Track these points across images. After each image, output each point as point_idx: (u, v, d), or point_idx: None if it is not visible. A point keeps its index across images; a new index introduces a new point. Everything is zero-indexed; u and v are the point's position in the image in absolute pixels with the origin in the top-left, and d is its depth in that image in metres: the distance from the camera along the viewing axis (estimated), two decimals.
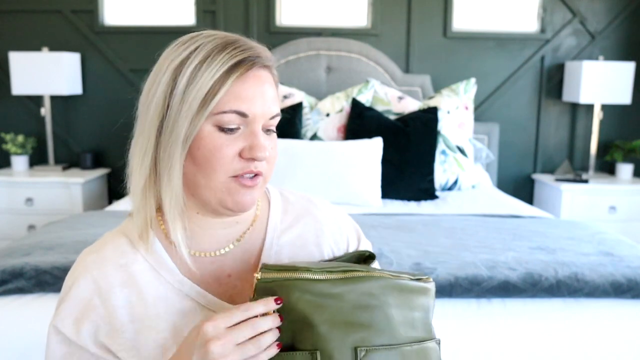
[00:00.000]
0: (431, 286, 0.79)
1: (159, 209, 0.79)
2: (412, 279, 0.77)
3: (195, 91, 0.71)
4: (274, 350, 0.67)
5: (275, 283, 0.69)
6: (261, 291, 0.70)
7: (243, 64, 0.72)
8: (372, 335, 0.69)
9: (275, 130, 0.78)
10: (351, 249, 0.90)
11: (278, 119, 0.77)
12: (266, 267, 0.71)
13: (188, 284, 0.78)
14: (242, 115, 0.72)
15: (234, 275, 0.81)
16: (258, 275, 0.70)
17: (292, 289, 0.68)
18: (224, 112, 0.72)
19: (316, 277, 0.70)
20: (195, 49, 0.73)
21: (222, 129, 0.72)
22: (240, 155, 0.73)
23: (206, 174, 0.73)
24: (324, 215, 0.89)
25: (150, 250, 0.78)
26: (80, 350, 0.75)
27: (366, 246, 0.93)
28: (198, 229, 0.80)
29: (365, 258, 0.86)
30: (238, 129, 0.73)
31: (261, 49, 0.76)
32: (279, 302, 0.67)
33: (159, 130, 0.73)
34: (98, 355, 0.75)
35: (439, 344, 0.77)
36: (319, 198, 0.94)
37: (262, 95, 0.74)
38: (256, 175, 0.75)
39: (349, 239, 0.90)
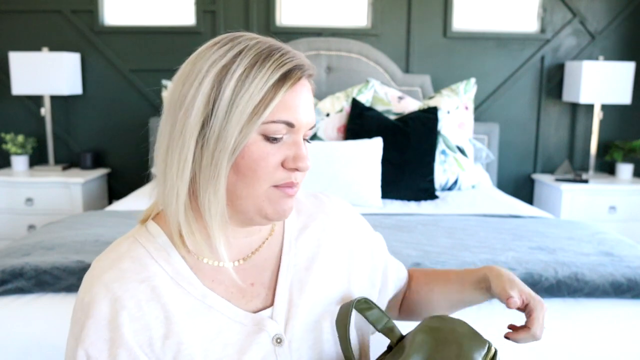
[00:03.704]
0: None
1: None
2: None
3: (246, 99, 0.68)
4: None
5: None
6: None
7: (293, 73, 0.70)
8: None
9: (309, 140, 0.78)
10: (367, 239, 0.91)
11: (315, 129, 0.77)
12: None
13: (211, 295, 0.75)
14: (290, 125, 0.71)
15: (257, 284, 0.79)
16: None
17: None
18: (274, 122, 0.70)
19: None
20: (239, 52, 0.70)
21: (268, 139, 0.71)
22: (282, 164, 0.72)
23: (248, 183, 0.71)
24: (334, 212, 0.90)
25: (170, 262, 0.75)
26: None
27: (378, 241, 0.95)
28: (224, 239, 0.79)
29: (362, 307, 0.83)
30: (282, 138, 0.72)
31: (304, 58, 0.74)
32: None
33: (201, 137, 0.69)
34: None
35: None
36: (322, 193, 0.94)
37: (307, 105, 0.73)
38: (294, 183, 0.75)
39: (363, 230, 0.92)
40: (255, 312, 0.77)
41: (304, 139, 0.75)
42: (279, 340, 0.76)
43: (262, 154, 0.70)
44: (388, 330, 0.82)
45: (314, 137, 2.68)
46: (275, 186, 0.73)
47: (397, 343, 0.81)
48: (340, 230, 0.88)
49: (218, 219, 0.71)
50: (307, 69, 0.73)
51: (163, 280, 0.74)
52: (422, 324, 0.80)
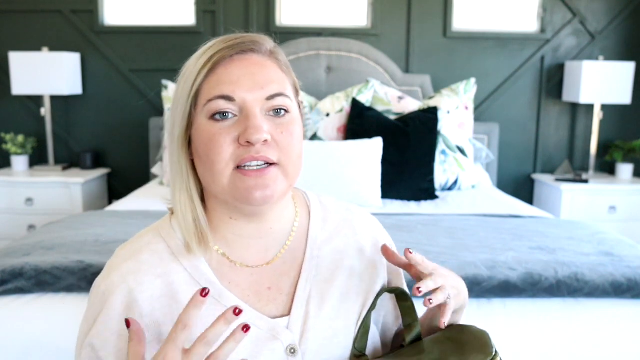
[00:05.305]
0: None
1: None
2: None
3: (182, 86, 0.73)
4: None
5: None
6: None
7: (224, 50, 0.72)
8: None
9: (287, 110, 0.74)
10: (385, 266, 0.88)
11: (283, 99, 0.73)
12: None
13: (228, 295, 0.75)
14: (228, 99, 0.70)
15: (274, 288, 0.79)
16: None
17: None
18: (210, 100, 0.71)
19: None
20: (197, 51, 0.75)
21: (214, 118, 0.71)
22: (238, 142, 0.70)
23: (209, 168, 0.72)
24: (362, 228, 0.88)
25: (190, 259, 0.75)
26: None
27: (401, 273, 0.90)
28: (235, 237, 0.78)
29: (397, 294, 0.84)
30: (231, 116, 0.71)
31: (258, 38, 0.75)
32: (237, 312, 0.63)
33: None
34: None
35: None
36: (356, 207, 0.91)
37: (251, 76, 0.71)
38: (265, 163, 0.71)
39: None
40: (270, 317, 0.76)
41: (275, 110, 0.73)
42: (292, 351, 0.75)
43: (209, 134, 0.71)
44: (410, 328, 0.81)
45: (314, 137, 2.68)
46: (239, 169, 0.71)
47: (410, 343, 0.81)
48: (366, 248, 0.86)
49: (188, 206, 0.75)
50: (247, 45, 0.73)
51: (181, 277, 0.75)
52: (441, 333, 0.81)
